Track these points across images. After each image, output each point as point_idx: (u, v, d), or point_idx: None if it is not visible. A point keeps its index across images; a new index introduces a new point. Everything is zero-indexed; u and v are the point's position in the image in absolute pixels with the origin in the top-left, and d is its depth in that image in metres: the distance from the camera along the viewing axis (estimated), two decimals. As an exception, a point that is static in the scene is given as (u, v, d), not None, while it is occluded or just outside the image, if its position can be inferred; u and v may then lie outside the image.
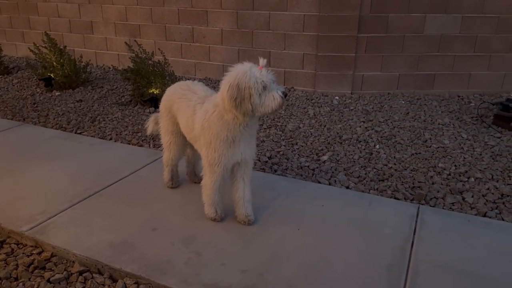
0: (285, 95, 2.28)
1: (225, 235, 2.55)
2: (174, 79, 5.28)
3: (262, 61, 2.28)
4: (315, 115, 4.72)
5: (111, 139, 4.05)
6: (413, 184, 3.22)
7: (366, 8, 5.17)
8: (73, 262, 2.36)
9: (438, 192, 3.09)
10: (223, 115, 2.33)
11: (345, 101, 5.22)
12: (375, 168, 3.47)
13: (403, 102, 5.14)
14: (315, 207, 2.86)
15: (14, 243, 2.53)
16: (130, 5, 6.35)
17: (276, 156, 3.68)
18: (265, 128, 4.31)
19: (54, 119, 4.55)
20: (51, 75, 5.58)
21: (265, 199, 2.95)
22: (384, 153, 3.73)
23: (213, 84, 5.84)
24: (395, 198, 3.04)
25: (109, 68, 6.64)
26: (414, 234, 2.59)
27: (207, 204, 2.64)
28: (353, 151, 3.79)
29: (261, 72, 2.24)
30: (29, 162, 3.45)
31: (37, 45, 5.69)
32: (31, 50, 5.78)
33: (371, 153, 3.74)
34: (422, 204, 2.96)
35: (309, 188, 3.12)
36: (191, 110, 2.58)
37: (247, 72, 2.21)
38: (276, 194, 3.01)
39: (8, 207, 2.79)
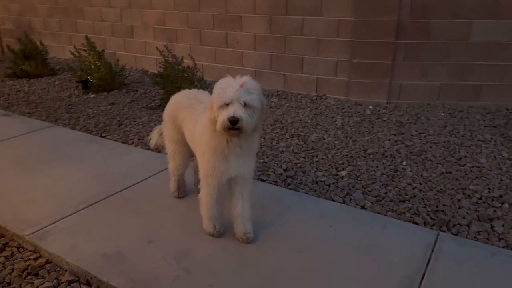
0: (232, 122, 2.07)
1: (221, 253, 2.44)
2: (203, 84, 5.25)
3: (244, 79, 2.14)
4: (342, 125, 4.49)
5: (132, 143, 4.07)
6: (436, 207, 2.93)
7: (405, 13, 4.86)
8: (66, 270, 2.35)
9: (464, 218, 2.79)
10: (214, 127, 2.23)
11: (378, 111, 4.93)
12: (397, 187, 3.21)
13: (442, 114, 4.77)
14: (322, 228, 2.67)
15: (16, 247, 2.57)
16: (168, 10, 6.43)
17: (292, 168, 3.52)
18: (287, 138, 4.15)
19: (84, 121, 4.67)
20: (88, 77, 5.76)
21: (270, 215, 2.80)
22: (411, 171, 3.45)
23: (244, 90, 5.75)
24: (414, 223, 2.78)
25: (147, 72, 6.76)
26: (427, 265, 2.33)
27: (205, 218, 2.55)
28: (377, 166, 3.54)
29: (232, 89, 2.09)
30: (47, 165, 3.54)
31: (77, 48, 5.90)
32: (72, 53, 6.00)
33: (396, 170, 3.48)
34: (443, 231, 2.68)
35: (320, 206, 2.93)
36: (194, 120, 2.50)
37: (222, 85, 2.12)
38: (283, 211, 2.86)
39: (16, 209, 2.86)
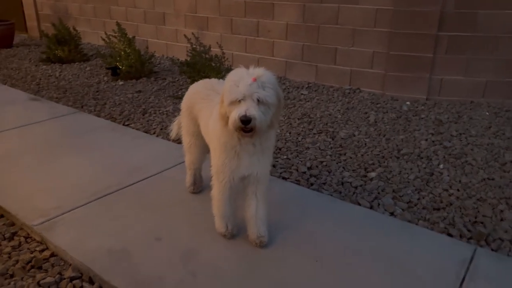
0: (244, 122, 1.88)
1: (231, 256, 2.27)
2: (231, 74, 5.07)
3: (259, 72, 1.92)
4: (376, 122, 4.20)
5: (154, 133, 3.96)
6: (475, 218, 2.63)
7: (449, 3, 4.47)
8: (70, 265, 2.25)
9: (506, 232, 2.48)
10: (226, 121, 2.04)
11: (416, 107, 4.59)
12: (431, 193, 2.92)
13: (487, 113, 4.37)
14: (344, 235, 2.44)
15: (24, 236, 2.50)
16: (200, -3, 6.27)
17: (317, 167, 3.29)
18: (314, 134, 3.91)
19: (109, 108, 4.61)
20: (118, 64, 5.71)
21: (288, 217, 2.60)
22: (448, 175, 3.14)
23: (274, 81, 5.53)
24: (448, 234, 2.50)
25: (177, 60, 6.66)
26: (461, 285, 2.07)
27: (217, 217, 2.38)
28: (410, 169, 3.25)
29: (243, 84, 1.88)
30: (65, 152, 3.48)
31: (108, 34, 5.86)
32: (103, 39, 5.97)
33: (432, 174, 3.18)
34: (481, 246, 2.39)
35: (344, 210, 2.70)
36: (209, 112, 2.32)
37: (235, 77, 1.92)
38: (303, 213, 2.65)
39: (29, 197, 2.79)
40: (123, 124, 4.17)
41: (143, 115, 4.43)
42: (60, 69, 6.25)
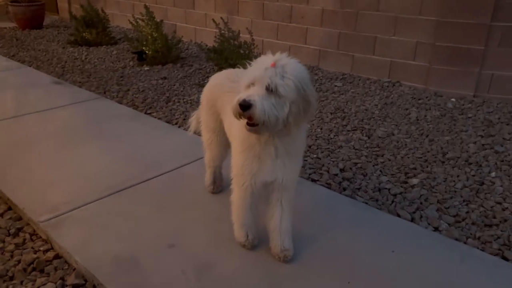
0: (242, 107, 1.62)
1: (250, 271, 2.00)
2: (261, 62, 4.77)
3: (277, 57, 1.67)
4: (418, 120, 3.81)
5: (176, 123, 3.73)
6: (536, 240, 2.27)
7: (508, -12, 3.98)
8: (74, 270, 2.04)
9: None
10: None
11: (463, 105, 4.17)
12: (482, 206, 2.55)
13: (545, 114, 3.91)
14: (381, 252, 2.14)
15: (29, 233, 2.32)
16: (231, -21, 5.96)
17: (350, 169, 2.96)
18: (348, 131, 3.58)
19: (132, 95, 4.41)
20: (144, 49, 5.50)
21: (316, 227, 2.31)
22: (501, 185, 2.76)
23: (306, 71, 5.19)
24: (503, 258, 2.15)
25: (205, 45, 6.40)
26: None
27: (236, 225, 2.12)
28: (457, 176, 2.88)
29: (259, 68, 1.64)
30: (83, 140, 3.30)
31: (136, 17, 5.65)
32: (130, 22, 5.77)
33: (482, 183, 2.80)
34: (545, 276, 2.03)
35: (381, 222, 2.38)
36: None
37: (259, 59, 1.69)
38: (334, 223, 2.35)
39: (39, 189, 2.62)
40: (145, 113, 3.96)
41: (166, 103, 4.20)
42: (86, 52, 6.11)
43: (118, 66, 5.45)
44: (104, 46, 6.47)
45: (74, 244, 2.15)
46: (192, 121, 2.66)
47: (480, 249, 2.21)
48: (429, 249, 2.16)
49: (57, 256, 2.13)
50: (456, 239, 2.27)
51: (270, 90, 1.61)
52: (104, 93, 4.48)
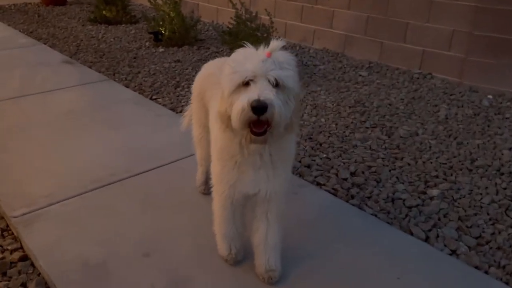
0: (257, 110, 1.31)
1: (230, 291, 1.77)
2: (280, 47, 4.44)
3: (274, 44, 1.39)
4: (447, 118, 3.42)
5: (181, 111, 3.50)
6: None
7: None
8: (38, 275, 1.87)
9: None
10: None
11: (500, 103, 3.72)
12: (512, 227, 2.20)
13: None
14: (385, 278, 1.84)
15: (2, 228, 2.16)
16: (256, -43, 5.59)
17: (363, 173, 2.65)
18: (366, 128, 3.24)
19: (142, 78, 4.20)
20: (160, 29, 5.27)
21: (315, 242, 2.04)
22: (538, 203, 2.38)
23: (329, 58, 4.83)
24: (533, 295, 1.81)
25: (227, 27, 6.10)
26: None
27: (218, 237, 1.87)
28: (486, 188, 2.51)
29: (252, 61, 1.36)
30: (80, 126, 3.12)
31: (154, -5, 5.41)
32: (149, 1, 5.54)
33: (514, 198, 2.43)
34: None
35: (390, 240, 2.08)
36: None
37: (240, 55, 1.41)
38: (334, 238, 2.07)
39: (22, 180, 2.46)
40: (150, 98, 3.74)
41: (175, 88, 3.97)
42: (104, 31, 5.94)
43: (133, 47, 5.25)
44: (123, 25, 6.29)
45: (43, 244, 1.97)
46: (186, 117, 2.41)
47: (504, 282, 1.87)
48: (442, 278, 1.85)
49: (24, 258, 1.96)
50: (476, 267, 1.95)
51: (275, 84, 1.36)
52: (114, 75, 4.29)
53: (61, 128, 3.09)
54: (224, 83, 1.40)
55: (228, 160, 1.56)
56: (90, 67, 4.48)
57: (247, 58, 1.37)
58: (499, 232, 2.16)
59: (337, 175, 2.62)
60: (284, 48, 1.41)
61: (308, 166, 2.70)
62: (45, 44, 5.27)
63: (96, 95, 3.74)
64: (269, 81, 1.35)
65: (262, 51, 1.39)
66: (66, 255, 1.91)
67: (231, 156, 1.54)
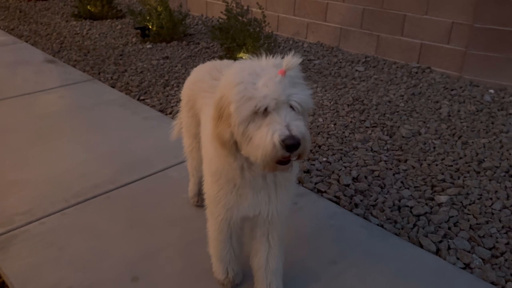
0: (288, 146, 1.13)
1: (228, 320, 1.60)
2: (273, 42, 4.27)
3: (289, 61, 1.18)
4: (449, 115, 3.27)
5: (170, 113, 3.31)
6: None
7: None
8: (15, 305, 1.69)
9: None
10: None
11: (503, 98, 3.58)
12: (527, 236, 2.06)
13: None
14: (395, 298, 1.69)
15: (-24, 251, 1.97)
16: None
17: (365, 178, 2.49)
18: (366, 127, 3.08)
19: (128, 77, 3.99)
20: (148, 24, 5.05)
21: (316, 259, 1.87)
22: (552, 208, 2.25)
23: (324, 52, 4.66)
24: (555, 315, 1.67)
25: (217, 20, 5.89)
26: None
27: (214, 259, 1.71)
28: (495, 192, 2.37)
29: (269, 82, 1.15)
30: (61, 132, 2.92)
31: (140, -11, 5.18)
32: (135, -5, 5.31)
33: (527, 203, 2.29)
34: None
35: (399, 254, 1.93)
36: (208, 114, 1.60)
37: (244, 74, 1.18)
38: (339, 254, 1.91)
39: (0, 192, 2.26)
40: (138, 99, 3.54)
41: (164, 88, 3.77)
42: (89, 27, 5.69)
43: (119, 43, 5.02)
44: (109, 20, 6.04)
45: (21, 270, 1.79)
46: (176, 126, 2.22)
47: (524, 299, 1.74)
48: (458, 297, 1.71)
49: (1, 285, 1.78)
50: (493, 283, 1.80)
51: (298, 111, 1.19)
52: (99, 74, 4.08)
53: (41, 134, 2.89)
54: (234, 109, 1.17)
55: (226, 184, 1.38)
56: (74, 66, 4.26)
57: (258, 77, 1.16)
58: (514, 242, 2.02)
59: (338, 181, 2.46)
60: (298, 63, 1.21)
61: (308, 172, 2.53)
62: (26, 42, 5.02)
63: (80, 96, 3.53)
64: (294, 107, 1.17)
65: (273, 66, 1.19)
66: (47, 283, 1.72)
67: (229, 179, 1.36)
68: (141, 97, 3.58)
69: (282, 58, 1.23)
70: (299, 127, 1.15)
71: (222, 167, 1.34)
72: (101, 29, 5.61)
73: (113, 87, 3.77)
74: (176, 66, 4.29)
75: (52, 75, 3.96)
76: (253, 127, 1.16)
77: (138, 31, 5.18)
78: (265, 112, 1.16)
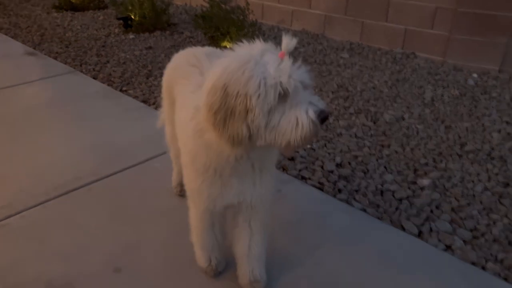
0: (323, 119, 1.15)
1: (211, 308, 1.60)
2: (257, 29, 4.23)
3: (288, 42, 1.16)
4: (433, 100, 3.29)
5: (154, 103, 3.27)
6: None
7: None
8: (-4, 299, 1.67)
9: None
10: (203, 130, 1.28)
11: (486, 82, 3.61)
12: (507, 217, 2.09)
13: None
14: (380, 280, 1.71)
15: (-46, 247, 1.94)
16: None
17: (349, 164, 2.50)
18: (350, 114, 3.08)
19: (111, 68, 3.94)
20: (130, 14, 4.97)
21: (300, 245, 1.88)
22: (531, 188, 2.28)
23: (309, 40, 4.64)
24: (534, 292, 1.71)
25: (202, 9, 5.82)
26: None
27: (197, 248, 1.70)
28: (477, 175, 2.40)
29: (279, 65, 1.14)
30: (42, 125, 2.88)
31: (121, -22, 5.09)
32: (116, -16, 5.21)
33: (507, 184, 2.32)
34: None
35: (382, 238, 1.94)
36: (182, 102, 1.58)
37: (249, 64, 1.13)
38: (323, 239, 1.92)
39: (-23, 189, 2.22)
40: (120, 90, 3.50)
41: (147, 78, 3.73)
42: (71, 18, 5.59)
43: (102, 34, 4.94)
44: (90, 11, 5.94)
45: (1, 264, 1.76)
46: (162, 112, 2.19)
47: (503, 278, 1.76)
48: (438, 278, 1.72)
49: (-19, 280, 1.76)
50: (473, 263, 1.83)
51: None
52: (81, 65, 4.02)
53: (22, 128, 2.84)
54: (254, 96, 1.11)
55: (212, 175, 1.36)
56: (55, 58, 4.19)
57: (265, 64, 1.14)
58: (494, 223, 2.05)
59: (322, 167, 2.46)
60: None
61: (292, 159, 2.53)
62: (6, 34, 4.92)
63: (61, 89, 3.47)
64: (307, 87, 1.18)
65: (267, 51, 1.18)
66: (28, 276, 1.71)
67: (219, 170, 1.34)
68: (124, 88, 3.53)
69: (266, 43, 1.22)
70: (321, 101, 1.17)
71: (211, 160, 1.31)
72: (83, 20, 5.52)
73: (95, 78, 3.72)
74: (159, 56, 4.24)
75: (33, 68, 3.89)
76: (278, 114, 1.14)
77: (121, 21, 5.10)
78: (284, 96, 1.14)
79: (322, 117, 1.14)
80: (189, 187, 1.47)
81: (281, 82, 1.12)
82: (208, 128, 1.21)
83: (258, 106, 1.12)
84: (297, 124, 1.13)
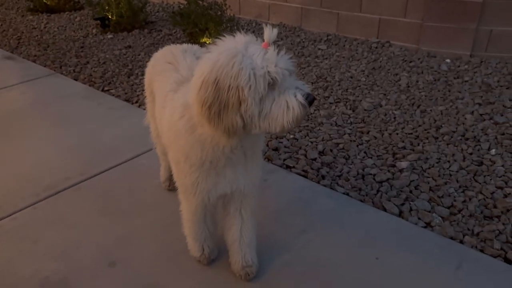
0: (311, 101, 1.23)
1: (206, 293, 1.67)
2: (235, 25, 4.28)
3: (269, 33, 1.23)
4: (408, 86, 3.40)
5: (137, 102, 3.30)
6: (544, 235, 1.94)
7: None
8: (-7, 299, 1.70)
9: None
10: (195, 126, 1.34)
11: (458, 66, 3.75)
12: (481, 193, 2.21)
13: (550, 75, 3.50)
14: (364, 260, 1.80)
15: None
16: None
17: (331, 151, 2.59)
18: (330, 103, 3.17)
19: (91, 68, 3.94)
20: (107, 14, 4.95)
21: (288, 230, 1.96)
22: (502, 165, 2.41)
23: (287, 33, 4.71)
24: (506, 260, 1.82)
25: (179, 7, 5.83)
26: None
27: (190, 239, 1.76)
28: (453, 155, 2.52)
29: (265, 56, 1.21)
30: (26, 127, 2.88)
31: (96, -22, 5.06)
32: (91, -16, 5.18)
33: (481, 163, 2.45)
34: (557, 283, 1.71)
35: (364, 219, 2.04)
36: (162, 100, 1.63)
37: (237, 57, 1.19)
38: (309, 223, 2.00)
39: (-36, 194, 2.23)
40: (102, 90, 3.51)
41: (128, 77, 3.75)
42: (47, 20, 5.53)
43: (80, 35, 4.92)
44: (66, 13, 5.89)
45: (-4, 265, 1.79)
46: (148, 110, 2.23)
47: (479, 249, 1.88)
48: (419, 253, 1.83)
49: (-24, 282, 1.78)
50: (452, 238, 1.94)
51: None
52: (60, 67, 4.00)
53: (5, 131, 2.85)
54: (245, 87, 1.17)
55: (208, 169, 1.41)
56: (34, 61, 4.16)
57: (251, 56, 1.19)
58: (470, 199, 2.17)
59: (306, 156, 2.54)
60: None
61: (276, 149, 2.61)
62: (-20, 39, 4.85)
63: (42, 91, 3.47)
64: (292, 74, 1.25)
65: (250, 42, 1.24)
66: (24, 274, 1.74)
67: (214, 162, 1.40)
68: (105, 88, 3.55)
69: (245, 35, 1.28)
70: (306, 85, 1.26)
71: (207, 153, 1.36)
72: (60, 22, 5.47)
73: (75, 79, 3.72)
74: (139, 55, 4.25)
75: (12, 72, 3.86)
76: (269, 101, 1.21)
77: (98, 21, 5.08)
78: (272, 84, 1.21)
79: (310, 100, 1.22)
80: (182, 182, 1.52)
81: (269, 72, 1.19)
82: (202, 123, 1.27)
83: (250, 96, 1.18)
84: (288, 108, 1.21)
